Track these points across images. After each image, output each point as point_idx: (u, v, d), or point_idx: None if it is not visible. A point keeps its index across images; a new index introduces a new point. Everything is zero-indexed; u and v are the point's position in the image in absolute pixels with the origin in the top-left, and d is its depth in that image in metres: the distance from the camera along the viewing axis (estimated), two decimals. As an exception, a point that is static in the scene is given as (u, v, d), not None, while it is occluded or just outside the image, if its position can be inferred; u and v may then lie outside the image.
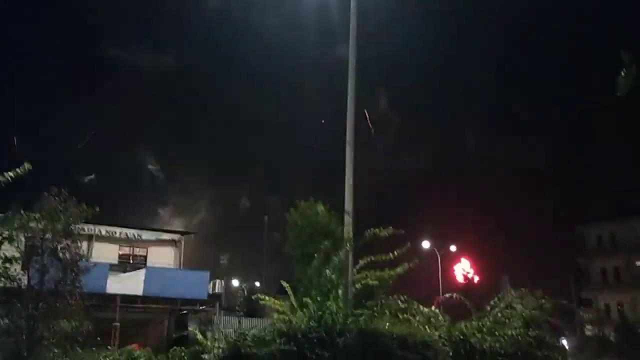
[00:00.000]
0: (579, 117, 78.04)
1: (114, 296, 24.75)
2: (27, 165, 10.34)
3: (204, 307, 28.49)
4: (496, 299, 12.92)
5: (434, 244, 42.02)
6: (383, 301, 11.15)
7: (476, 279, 41.88)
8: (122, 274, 28.13)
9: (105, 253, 28.99)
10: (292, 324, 9.06)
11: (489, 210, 75.72)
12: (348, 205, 10.87)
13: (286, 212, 25.74)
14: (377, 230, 10.73)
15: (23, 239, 10.80)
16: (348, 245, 10.37)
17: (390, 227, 10.86)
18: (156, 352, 19.03)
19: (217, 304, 29.01)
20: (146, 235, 31.64)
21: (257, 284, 43.57)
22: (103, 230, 29.49)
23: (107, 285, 25.06)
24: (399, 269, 11.26)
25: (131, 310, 26.26)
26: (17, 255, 10.57)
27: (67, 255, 10.87)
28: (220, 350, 8.85)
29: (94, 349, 12.44)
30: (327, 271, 9.96)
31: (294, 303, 10.41)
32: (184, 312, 29.00)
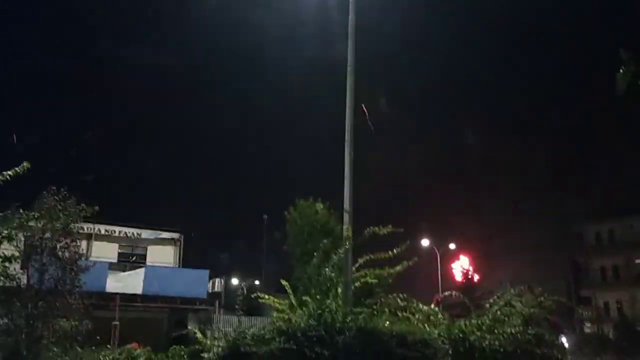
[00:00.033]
0: (579, 116, 78.20)
1: (113, 295, 24.76)
2: (25, 164, 10.34)
3: (203, 305, 28.50)
4: (495, 297, 12.93)
5: (433, 242, 42.08)
6: (382, 299, 11.15)
7: (476, 277, 41.93)
8: (122, 273, 28.17)
9: (104, 252, 29.02)
10: (292, 322, 9.06)
11: (488, 208, 75.82)
12: (347, 203, 10.87)
13: (286, 211, 25.83)
14: (376, 228, 10.73)
15: (22, 238, 10.79)
16: (347, 243, 10.38)
17: (390, 226, 10.87)
18: (156, 351, 19.03)
19: (217, 303, 29.04)
20: (145, 234, 31.67)
21: (257, 282, 43.60)
22: (102, 229, 29.52)
23: (107, 284, 25.09)
24: (398, 267, 11.26)
25: (131, 309, 26.26)
26: (17, 254, 10.56)
27: (67, 254, 10.87)
28: (220, 349, 8.84)
29: (93, 348, 12.44)
30: (327, 270, 9.96)
31: (293, 301, 10.42)
32: (184, 310, 29.01)
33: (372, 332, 8.94)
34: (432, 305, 12.49)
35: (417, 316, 11.61)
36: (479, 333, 11.24)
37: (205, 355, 9.31)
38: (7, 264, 10.28)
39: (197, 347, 11.16)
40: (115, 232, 30.61)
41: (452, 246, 43.18)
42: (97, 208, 11.58)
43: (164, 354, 18.36)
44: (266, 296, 11.65)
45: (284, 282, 11.15)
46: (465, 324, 11.53)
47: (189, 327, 19.81)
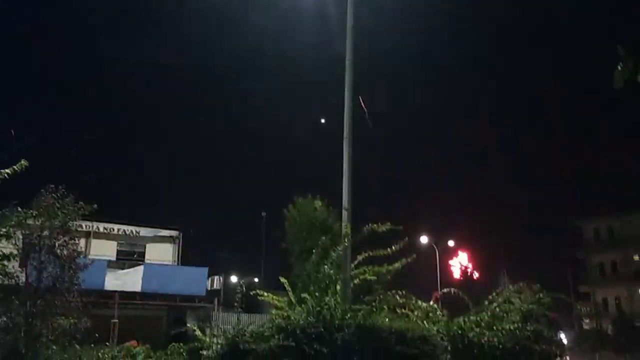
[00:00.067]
0: (578, 112, 78.20)
1: (112, 293, 24.73)
2: (23, 163, 10.32)
3: (202, 303, 28.50)
4: (494, 293, 12.95)
5: (432, 239, 42.10)
6: (381, 296, 11.15)
7: (475, 275, 41.98)
8: (121, 271, 28.12)
9: (103, 250, 28.99)
10: (291, 319, 9.06)
11: (487, 205, 75.89)
12: (346, 201, 10.86)
13: (284, 208, 25.83)
14: (375, 225, 10.73)
15: (20, 236, 10.77)
16: (346, 240, 10.37)
17: (388, 223, 10.87)
18: (155, 348, 19.04)
19: (216, 300, 29.04)
20: (144, 231, 31.62)
21: (256, 279, 43.59)
22: (101, 227, 29.46)
23: (106, 282, 25.07)
24: (397, 264, 11.25)
25: (130, 306, 26.24)
26: (15, 252, 10.55)
27: (65, 252, 10.84)
28: (219, 346, 8.84)
29: (92, 345, 12.43)
30: (326, 267, 9.95)
31: (292, 299, 10.42)
32: (183, 308, 29.01)
33: (371, 329, 8.95)
34: (431, 302, 12.51)
35: (416, 313, 11.63)
36: (477, 329, 11.26)
37: (204, 352, 9.29)
38: (5, 262, 10.27)
39: (196, 344, 11.17)
40: (114, 229, 30.56)
41: (450, 243, 43.21)
42: (95, 206, 11.55)
43: (163, 352, 18.37)
44: (265, 293, 11.64)
45: (282, 280, 11.14)
46: (464, 321, 11.54)
47: (188, 325, 19.87)
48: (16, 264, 10.66)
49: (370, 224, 10.74)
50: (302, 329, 8.50)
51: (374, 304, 10.56)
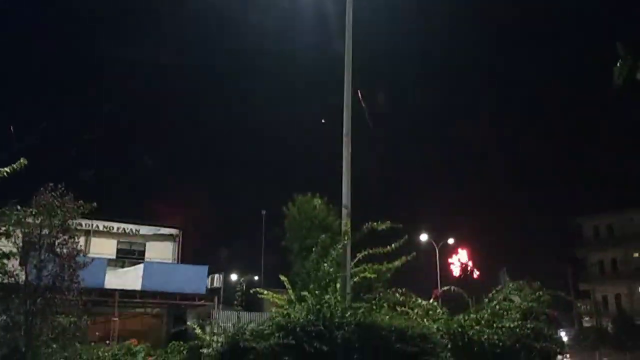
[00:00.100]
0: (578, 112, 78.19)
1: (112, 291, 24.75)
2: (22, 161, 10.31)
3: (202, 301, 28.53)
4: (494, 291, 12.95)
5: (431, 237, 42.10)
6: (381, 294, 11.16)
7: (476, 273, 41.94)
8: (120, 269, 28.16)
9: (103, 248, 29.02)
10: (291, 317, 9.05)
11: (486, 203, 75.91)
12: (345, 198, 10.86)
13: (284, 206, 25.84)
14: (375, 223, 10.73)
15: (20, 235, 10.76)
16: (346, 238, 10.37)
17: (388, 221, 10.87)
18: (155, 346, 19.07)
19: (216, 298, 29.06)
20: (144, 230, 31.64)
21: (256, 278, 43.62)
22: (101, 225, 29.48)
23: (106, 281, 25.07)
24: (397, 262, 11.27)
25: (130, 305, 26.28)
26: (15, 250, 10.55)
27: (65, 250, 10.83)
28: (219, 345, 8.84)
29: (92, 344, 12.44)
30: (325, 265, 9.96)
31: (292, 297, 10.43)
32: (183, 306, 29.05)
33: (371, 326, 8.95)
34: (431, 300, 12.51)
35: (416, 311, 11.63)
36: (477, 327, 11.26)
37: (205, 350, 9.31)
38: (5, 261, 10.27)
39: (196, 342, 11.18)
40: (113, 228, 30.58)
41: (450, 241, 43.18)
42: (95, 204, 11.54)
43: (163, 350, 18.41)
44: (265, 292, 11.66)
45: (282, 278, 11.15)
46: (464, 318, 11.55)
47: (188, 323, 19.87)
48: (16, 263, 10.65)
49: (370, 222, 10.74)
50: (302, 327, 8.50)
51: (373, 301, 10.57)
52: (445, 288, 13.85)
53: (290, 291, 10.63)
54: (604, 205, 54.01)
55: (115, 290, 24.98)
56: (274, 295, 11.23)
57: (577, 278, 55.86)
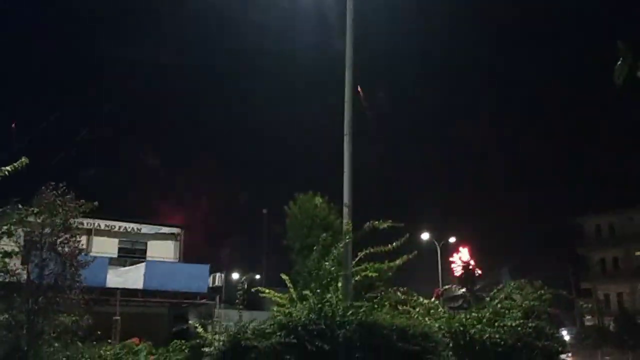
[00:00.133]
0: (578, 112, 78.09)
1: (114, 290, 24.76)
2: (24, 160, 10.32)
3: (204, 300, 28.54)
4: (496, 290, 12.95)
5: (433, 236, 42.11)
6: (382, 293, 11.15)
7: (477, 272, 41.91)
8: (122, 268, 28.14)
9: (104, 247, 29.05)
10: (292, 316, 9.05)
11: (487, 205, 75.83)
12: (347, 197, 10.85)
13: (285, 205, 25.86)
14: (376, 222, 10.72)
15: (22, 234, 10.78)
16: (347, 237, 10.36)
17: (390, 220, 10.86)
18: (157, 345, 19.07)
19: (218, 297, 29.08)
20: (146, 229, 31.67)
21: (257, 276, 43.70)
22: (102, 224, 29.52)
23: (107, 279, 25.08)
24: (398, 261, 11.25)
25: (131, 304, 26.28)
26: (16, 249, 10.56)
27: (67, 249, 10.83)
28: (221, 343, 8.84)
29: (94, 343, 12.44)
30: (327, 263, 9.95)
31: (293, 296, 10.42)
32: (184, 305, 29.06)
33: (373, 325, 8.94)
34: (433, 299, 12.52)
35: (417, 309, 11.63)
36: (479, 326, 11.25)
37: (206, 349, 9.30)
38: (7, 260, 10.28)
39: (198, 341, 11.16)
40: (115, 227, 30.59)
41: (452, 239, 43.18)
42: (96, 203, 11.54)
43: (165, 349, 18.40)
44: (266, 290, 11.66)
45: (284, 276, 11.15)
46: (466, 317, 11.54)
47: (190, 322, 19.84)
48: (18, 262, 10.67)
49: (371, 221, 10.73)
50: (303, 325, 8.50)
51: (375, 300, 10.56)
52: (447, 287, 13.85)
53: (292, 290, 10.63)
54: (605, 205, 54.02)
55: (117, 289, 24.99)
56: (276, 294, 11.23)
57: (578, 277, 55.87)
